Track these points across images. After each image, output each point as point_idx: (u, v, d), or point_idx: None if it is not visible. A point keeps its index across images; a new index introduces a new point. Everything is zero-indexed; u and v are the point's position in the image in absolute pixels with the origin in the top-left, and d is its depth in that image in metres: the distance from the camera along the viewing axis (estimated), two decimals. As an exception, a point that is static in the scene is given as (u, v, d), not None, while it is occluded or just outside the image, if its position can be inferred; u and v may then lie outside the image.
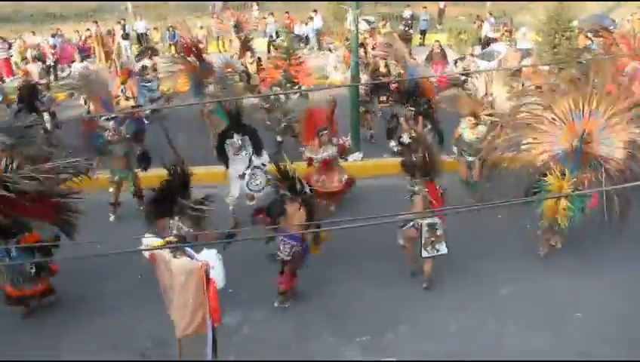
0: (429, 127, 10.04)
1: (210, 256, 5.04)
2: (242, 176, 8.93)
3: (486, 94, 10.02)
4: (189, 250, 5.38)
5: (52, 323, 7.25)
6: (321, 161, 9.37)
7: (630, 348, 6.37)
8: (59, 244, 7.29)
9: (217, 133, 9.21)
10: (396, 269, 7.81)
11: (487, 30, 22.19)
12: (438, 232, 7.23)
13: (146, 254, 5.65)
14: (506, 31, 20.88)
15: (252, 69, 14.89)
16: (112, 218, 9.70)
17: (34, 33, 24.36)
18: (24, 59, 20.80)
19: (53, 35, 23.36)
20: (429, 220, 7.17)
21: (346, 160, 10.81)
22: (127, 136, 9.44)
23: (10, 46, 22.22)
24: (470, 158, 9.47)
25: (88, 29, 23.54)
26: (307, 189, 7.18)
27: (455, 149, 9.70)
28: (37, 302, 7.44)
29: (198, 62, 13.03)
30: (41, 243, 7.09)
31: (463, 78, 13.69)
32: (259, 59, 15.47)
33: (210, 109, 10.77)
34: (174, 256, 5.37)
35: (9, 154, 6.95)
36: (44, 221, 7.24)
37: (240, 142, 8.81)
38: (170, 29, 24.19)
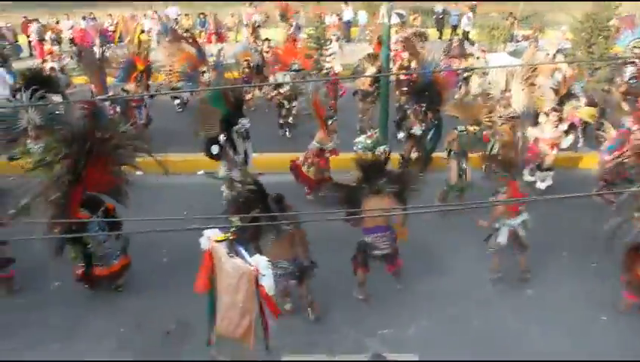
0: (435, 122, 10.07)
1: (261, 263, 5.01)
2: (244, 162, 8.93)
3: (505, 90, 9.96)
4: (243, 251, 5.33)
5: (80, 298, 7.38)
6: (330, 151, 9.38)
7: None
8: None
9: (219, 122, 8.91)
10: (421, 264, 7.78)
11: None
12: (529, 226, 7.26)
13: (205, 246, 5.53)
14: (537, 29, 20.57)
15: (268, 58, 15.05)
16: None
17: (68, 17, 24.63)
18: (43, 40, 21.01)
19: (83, 18, 23.59)
20: (522, 217, 7.17)
21: (374, 152, 10.76)
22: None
23: (43, 27, 22.54)
24: (463, 162, 9.28)
25: (121, 14, 23.76)
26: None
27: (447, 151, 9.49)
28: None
29: (195, 51, 13.20)
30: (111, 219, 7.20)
31: (465, 75, 13.64)
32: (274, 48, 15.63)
33: (201, 98, 10.55)
34: (229, 256, 5.29)
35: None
36: (105, 190, 7.27)
37: (248, 125, 8.79)
38: (201, 16, 24.34)
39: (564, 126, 9.81)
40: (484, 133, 9.27)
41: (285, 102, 12.42)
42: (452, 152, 9.26)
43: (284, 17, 21.61)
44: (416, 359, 5.91)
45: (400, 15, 21.45)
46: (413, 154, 10.52)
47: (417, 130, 10.15)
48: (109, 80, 12.61)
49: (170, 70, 14.36)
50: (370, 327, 6.84)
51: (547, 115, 9.70)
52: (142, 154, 7.23)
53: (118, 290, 7.53)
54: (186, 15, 25.66)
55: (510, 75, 10.13)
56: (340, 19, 25.12)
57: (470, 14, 24.72)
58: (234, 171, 8.73)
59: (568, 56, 14.70)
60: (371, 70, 12.83)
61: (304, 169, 9.49)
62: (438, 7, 25.29)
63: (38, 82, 9.63)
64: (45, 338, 6.69)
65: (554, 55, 15.28)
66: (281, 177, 9.38)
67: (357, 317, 7.01)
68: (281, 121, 12.66)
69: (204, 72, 13.25)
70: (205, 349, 5.76)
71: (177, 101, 14.89)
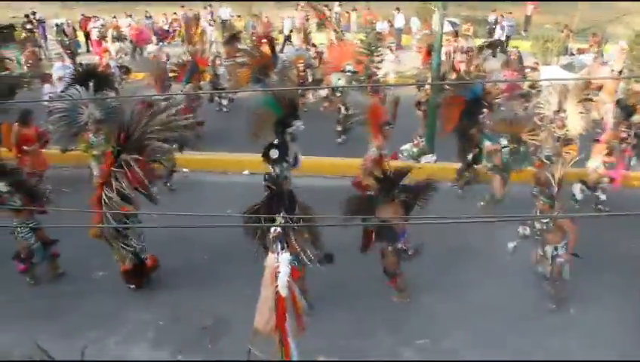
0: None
1: (281, 259, 5.02)
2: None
3: (559, 110, 9.61)
4: (279, 246, 5.36)
5: (121, 290, 7.55)
6: (389, 157, 9.24)
7: None
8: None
9: (273, 124, 8.90)
10: (460, 276, 7.66)
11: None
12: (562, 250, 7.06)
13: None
14: (595, 42, 20.01)
15: (315, 62, 15.13)
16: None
17: (128, 15, 25.29)
18: (104, 37, 21.66)
19: (146, 17, 24.20)
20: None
21: (419, 161, 10.70)
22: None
23: (102, 26, 23.21)
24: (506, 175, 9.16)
25: (175, 13, 24.29)
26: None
27: (486, 162, 9.34)
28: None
29: (270, 55, 13.28)
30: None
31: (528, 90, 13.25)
32: (322, 53, 15.74)
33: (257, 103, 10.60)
34: (271, 250, 5.38)
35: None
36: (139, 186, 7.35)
37: (302, 127, 8.80)
38: (254, 18, 24.63)
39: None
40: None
41: (342, 108, 12.31)
42: (494, 166, 9.13)
43: (321, 26, 21.70)
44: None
45: (453, 24, 21.25)
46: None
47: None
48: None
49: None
50: (406, 336, 6.77)
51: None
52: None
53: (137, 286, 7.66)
54: (238, 16, 26.04)
55: (563, 93, 9.73)
56: (392, 25, 25.02)
57: (511, 21, 24.42)
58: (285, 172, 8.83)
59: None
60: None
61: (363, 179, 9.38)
62: (492, 16, 24.91)
63: (92, 78, 9.96)
64: (84, 325, 6.87)
65: (619, 72, 14.75)
66: (332, 181, 9.36)
67: (394, 325, 6.95)
68: (339, 128, 12.42)
69: (270, 75, 13.31)
70: (240, 345, 5.80)
71: (225, 101, 15.14)
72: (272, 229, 5.61)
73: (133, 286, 7.55)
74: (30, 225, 7.46)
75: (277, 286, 4.86)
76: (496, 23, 24.55)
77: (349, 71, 12.75)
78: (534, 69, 14.63)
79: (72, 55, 16.76)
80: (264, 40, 15.28)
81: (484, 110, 9.69)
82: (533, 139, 9.16)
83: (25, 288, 7.65)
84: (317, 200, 7.22)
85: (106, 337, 6.72)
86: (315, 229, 6.90)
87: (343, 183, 9.62)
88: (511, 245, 7.35)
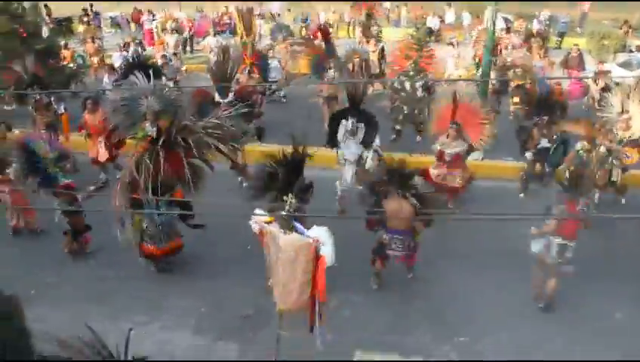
0: (560, 136, 9.45)
1: (321, 233, 5.07)
2: (356, 161, 8.92)
3: (622, 112, 9.25)
4: (300, 226, 5.43)
5: (165, 276, 7.80)
6: (453, 156, 9.12)
7: None
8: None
9: (332, 114, 9.21)
10: (504, 274, 7.51)
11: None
12: (568, 254, 6.82)
13: (255, 229, 5.76)
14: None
15: (374, 57, 14.98)
16: None
17: (180, 9, 25.76)
18: (164, 29, 22.09)
19: (199, 11, 24.59)
20: (560, 241, 6.79)
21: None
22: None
23: (154, 18, 23.72)
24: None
25: (226, 7, 24.57)
26: (419, 184, 7.13)
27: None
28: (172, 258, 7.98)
29: (324, 45, 13.24)
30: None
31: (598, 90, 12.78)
32: (382, 48, 15.53)
33: (329, 94, 10.67)
34: (284, 233, 5.43)
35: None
36: (177, 178, 7.49)
37: (352, 125, 8.80)
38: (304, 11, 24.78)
39: None
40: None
41: (405, 107, 11.89)
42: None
43: (370, 17, 21.45)
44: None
45: (506, 19, 20.75)
46: (538, 168, 9.87)
47: (544, 142, 9.52)
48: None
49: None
50: (445, 333, 6.72)
51: None
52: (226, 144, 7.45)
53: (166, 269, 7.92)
54: (288, 10, 26.14)
55: (626, 93, 9.32)
56: (442, 21, 24.70)
57: (565, 17, 23.78)
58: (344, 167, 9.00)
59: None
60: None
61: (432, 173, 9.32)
62: (544, 13, 24.24)
63: (145, 69, 10.17)
64: (132, 308, 7.09)
65: None
66: None
67: (434, 322, 6.92)
68: (397, 127, 12.06)
69: (330, 67, 13.29)
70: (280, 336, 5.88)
71: (282, 93, 15.44)
72: (260, 217, 5.65)
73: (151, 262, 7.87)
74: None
75: (322, 257, 4.90)
76: (551, 19, 23.93)
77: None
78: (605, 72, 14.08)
79: (128, 45, 17.15)
80: (319, 32, 15.35)
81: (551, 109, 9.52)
82: (611, 142, 8.98)
83: (73, 270, 7.97)
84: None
85: (150, 322, 6.91)
86: None
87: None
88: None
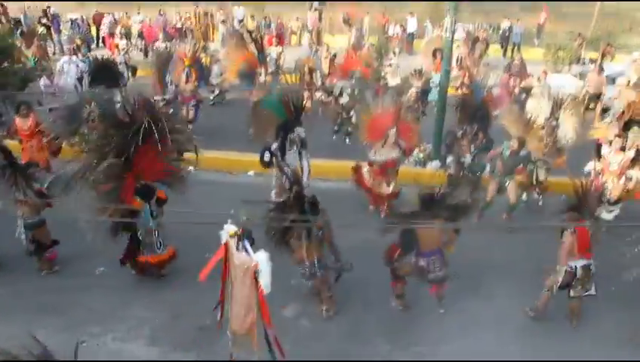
0: (486, 144, 9.67)
1: (261, 259, 4.98)
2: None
3: (550, 117, 9.60)
4: (247, 246, 5.34)
5: (121, 286, 7.62)
6: (383, 164, 9.16)
7: None
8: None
9: (276, 128, 9.04)
10: (462, 284, 7.59)
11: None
12: (592, 272, 6.87)
13: (223, 240, 5.64)
14: (606, 53, 19.82)
15: (325, 64, 15.16)
16: None
17: (138, 11, 25.39)
18: (112, 34, 21.77)
19: (160, 15, 24.28)
20: (584, 261, 6.83)
21: (425, 167, 10.69)
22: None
23: (115, 20, 23.36)
24: (504, 179, 9.15)
25: (187, 13, 24.41)
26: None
27: (488, 167, 9.34)
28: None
29: (256, 53, 13.34)
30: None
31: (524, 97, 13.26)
32: (334, 55, 15.73)
33: (259, 102, 10.48)
34: (237, 249, 5.34)
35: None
36: (161, 178, 7.51)
37: (302, 134, 8.79)
38: (266, 18, 24.72)
39: (632, 153, 9.29)
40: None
41: (344, 113, 12.58)
42: (494, 171, 9.15)
43: (347, 22, 21.69)
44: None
45: (468, 32, 21.07)
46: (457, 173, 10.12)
47: (468, 159, 9.77)
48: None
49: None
50: (403, 342, 6.76)
51: (609, 144, 9.31)
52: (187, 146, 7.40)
53: (161, 277, 7.77)
54: (251, 17, 26.08)
55: (556, 103, 9.76)
56: (404, 30, 24.97)
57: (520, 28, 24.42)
58: (284, 178, 8.80)
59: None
60: (417, 86, 12.83)
61: (365, 177, 9.41)
62: (505, 23, 24.81)
63: (102, 73, 10.05)
64: (88, 320, 6.94)
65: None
66: (338, 184, 9.35)
67: (391, 331, 6.94)
68: (335, 128, 12.81)
69: (260, 73, 13.41)
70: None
71: (212, 95, 15.54)
72: (230, 227, 5.43)
73: (134, 271, 7.69)
74: (28, 221, 7.55)
75: (260, 285, 4.84)
76: (510, 30, 24.50)
77: (355, 77, 12.82)
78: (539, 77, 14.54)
79: (78, 49, 16.82)
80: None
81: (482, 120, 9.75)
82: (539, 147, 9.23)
83: (26, 282, 7.71)
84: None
85: (104, 333, 6.76)
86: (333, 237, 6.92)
87: (340, 186, 9.61)
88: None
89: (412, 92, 13.23)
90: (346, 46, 18.05)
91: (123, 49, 17.96)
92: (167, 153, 7.26)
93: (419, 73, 13.67)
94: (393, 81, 14.45)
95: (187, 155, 7.59)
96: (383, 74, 14.44)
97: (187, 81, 13.05)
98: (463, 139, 9.90)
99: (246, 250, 5.10)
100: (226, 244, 5.42)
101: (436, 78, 13.34)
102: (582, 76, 17.17)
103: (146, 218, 7.35)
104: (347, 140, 12.70)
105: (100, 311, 7.11)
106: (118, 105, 7.79)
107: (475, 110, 9.97)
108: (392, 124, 9.13)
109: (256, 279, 4.92)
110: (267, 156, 8.89)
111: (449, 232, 6.83)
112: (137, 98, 7.24)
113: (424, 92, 13.60)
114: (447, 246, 6.94)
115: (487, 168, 9.32)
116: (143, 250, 7.54)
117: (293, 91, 9.64)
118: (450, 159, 10.21)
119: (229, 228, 5.29)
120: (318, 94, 14.35)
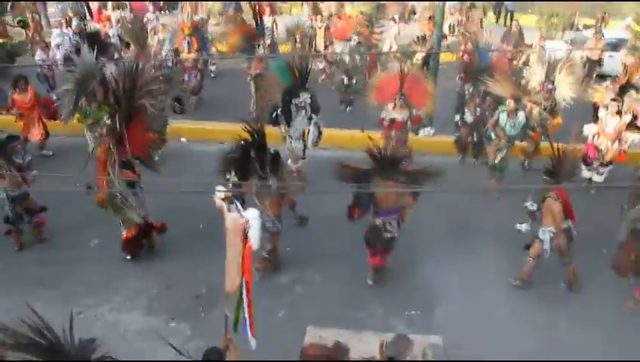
0: (493, 108, 9.65)
1: (251, 215, 4.99)
2: (301, 137, 9.03)
3: (545, 81, 9.61)
4: (238, 205, 5.34)
5: (116, 258, 7.62)
6: (391, 124, 9.12)
7: None
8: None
9: (282, 92, 9.10)
10: (454, 248, 7.70)
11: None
12: (572, 235, 6.97)
13: (217, 204, 5.65)
14: (600, 18, 19.74)
15: (320, 33, 15.04)
16: None
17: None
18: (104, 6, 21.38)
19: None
20: (564, 226, 6.90)
21: (417, 134, 10.66)
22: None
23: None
24: (501, 143, 9.16)
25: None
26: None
27: (492, 133, 9.32)
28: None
29: (254, 24, 13.23)
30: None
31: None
32: (328, 26, 15.61)
33: (266, 68, 10.68)
34: (229, 210, 5.35)
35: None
36: (137, 155, 7.46)
37: (308, 100, 8.83)
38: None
39: (628, 117, 9.28)
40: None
41: (345, 79, 12.60)
42: (491, 134, 9.20)
43: None
44: (440, 341, 5.84)
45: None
46: (469, 139, 10.31)
47: (469, 117, 9.97)
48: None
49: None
50: (397, 307, 6.85)
51: (606, 107, 9.30)
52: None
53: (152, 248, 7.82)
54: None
55: (551, 66, 9.78)
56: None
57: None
58: (293, 143, 9.05)
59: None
60: (420, 53, 12.73)
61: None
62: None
63: (93, 46, 9.91)
64: (84, 291, 6.97)
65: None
66: (342, 153, 9.31)
67: (386, 297, 7.02)
68: (341, 98, 12.87)
69: (258, 45, 13.26)
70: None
71: (213, 68, 15.42)
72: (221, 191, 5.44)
73: (129, 256, 7.62)
74: (11, 194, 7.51)
75: (249, 241, 4.85)
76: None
77: (353, 41, 12.79)
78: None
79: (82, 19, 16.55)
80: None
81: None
82: (533, 103, 9.35)
83: (20, 255, 7.75)
84: (319, 172, 7.17)
85: (100, 304, 6.80)
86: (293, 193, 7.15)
87: (342, 154, 9.58)
88: (522, 227, 7.28)
89: (417, 58, 13.14)
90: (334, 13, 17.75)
91: (117, 20, 17.68)
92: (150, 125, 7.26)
93: (422, 39, 13.56)
94: (386, 47, 14.38)
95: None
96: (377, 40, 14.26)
97: (189, 51, 12.90)
98: (470, 103, 10.00)
99: (236, 209, 5.09)
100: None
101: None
102: (576, 43, 17.05)
103: (137, 190, 7.37)
104: (348, 109, 12.76)
105: (95, 283, 7.15)
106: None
107: (481, 73, 9.89)
108: (400, 88, 9.11)
109: (246, 236, 4.91)
110: (274, 115, 9.03)
111: (406, 196, 6.89)
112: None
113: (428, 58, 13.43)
114: (403, 210, 7.01)
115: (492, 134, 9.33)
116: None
117: (301, 57, 9.70)
118: (456, 118, 10.29)
119: (219, 193, 5.31)
120: (321, 65, 14.39)
